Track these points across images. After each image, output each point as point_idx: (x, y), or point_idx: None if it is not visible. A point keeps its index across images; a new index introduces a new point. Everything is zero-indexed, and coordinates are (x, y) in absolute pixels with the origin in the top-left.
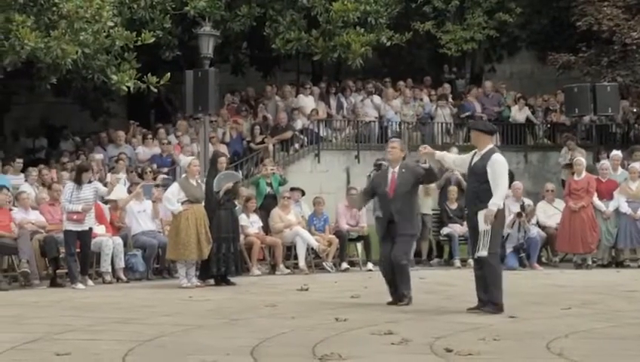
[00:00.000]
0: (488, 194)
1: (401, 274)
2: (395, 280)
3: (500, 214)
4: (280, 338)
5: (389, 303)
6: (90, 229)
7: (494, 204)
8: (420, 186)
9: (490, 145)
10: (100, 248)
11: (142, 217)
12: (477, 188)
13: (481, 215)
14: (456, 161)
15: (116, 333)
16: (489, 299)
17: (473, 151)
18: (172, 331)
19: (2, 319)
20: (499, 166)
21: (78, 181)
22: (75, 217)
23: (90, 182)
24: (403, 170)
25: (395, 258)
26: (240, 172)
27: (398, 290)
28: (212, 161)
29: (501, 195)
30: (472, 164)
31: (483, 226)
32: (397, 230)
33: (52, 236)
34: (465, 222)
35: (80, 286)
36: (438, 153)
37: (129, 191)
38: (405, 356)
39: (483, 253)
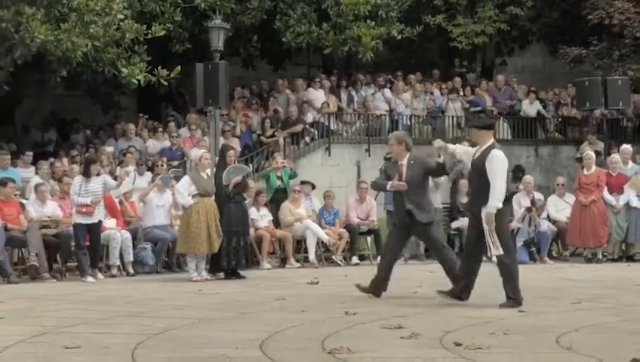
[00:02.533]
0: (489, 190)
1: (445, 261)
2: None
3: (500, 212)
4: (289, 331)
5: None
6: (100, 222)
7: (492, 206)
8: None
9: (490, 141)
10: (108, 241)
11: (159, 211)
12: (478, 183)
13: (483, 211)
14: (465, 153)
15: (126, 326)
16: (508, 295)
17: (477, 147)
18: (182, 324)
19: (12, 312)
20: (496, 162)
21: (87, 174)
22: (84, 210)
23: (98, 174)
24: (412, 162)
25: (434, 250)
26: (250, 165)
27: (449, 276)
28: (221, 155)
29: (498, 195)
30: (474, 159)
31: (486, 226)
32: (417, 220)
33: (67, 233)
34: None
35: (90, 279)
36: (450, 146)
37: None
38: (415, 350)
39: (499, 251)
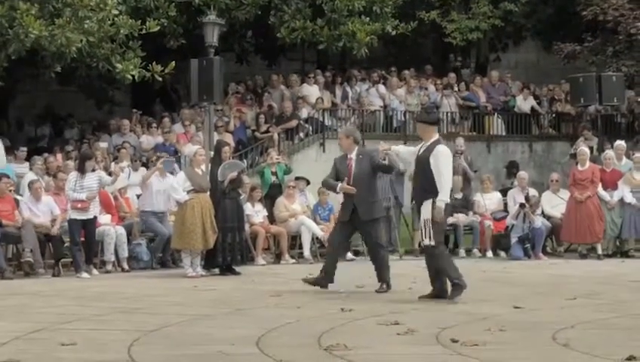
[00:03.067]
0: (433, 185)
1: (378, 260)
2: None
3: (445, 207)
4: (285, 328)
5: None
6: (95, 218)
7: (441, 200)
8: None
9: (435, 137)
10: (102, 237)
11: (158, 197)
12: (422, 179)
13: (425, 206)
14: (410, 151)
15: (122, 323)
16: (440, 287)
17: (422, 143)
18: (177, 321)
19: (7, 308)
20: (442, 157)
21: (82, 169)
22: (79, 206)
23: (94, 170)
24: (360, 156)
25: (369, 246)
26: (245, 161)
27: (379, 277)
28: (216, 151)
29: (446, 189)
30: (418, 155)
31: (425, 216)
32: (359, 216)
33: (59, 237)
34: (470, 212)
35: (85, 275)
36: (393, 148)
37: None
38: (411, 346)
39: (430, 242)
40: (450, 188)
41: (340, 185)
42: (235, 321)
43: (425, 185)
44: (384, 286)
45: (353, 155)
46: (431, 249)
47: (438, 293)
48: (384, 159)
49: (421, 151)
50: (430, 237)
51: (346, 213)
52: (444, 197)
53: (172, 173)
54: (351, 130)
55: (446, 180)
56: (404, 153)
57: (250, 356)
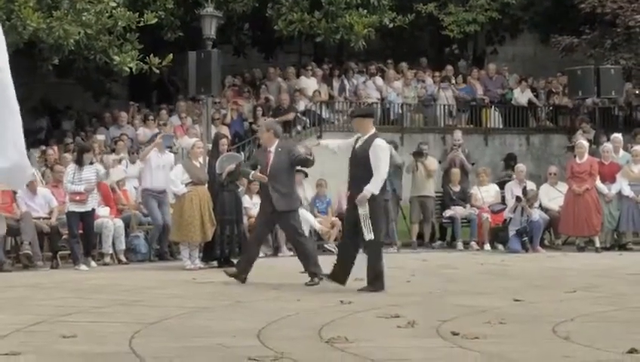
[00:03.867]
0: (370, 178)
1: (302, 252)
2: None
3: (376, 199)
4: (286, 320)
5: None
6: (93, 210)
7: (368, 190)
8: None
9: (373, 130)
10: (101, 230)
11: (158, 173)
12: (360, 172)
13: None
14: (341, 146)
15: (121, 315)
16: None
17: (356, 136)
18: (177, 313)
19: (7, 301)
20: (380, 151)
21: (80, 162)
22: (77, 198)
23: (91, 163)
24: (279, 150)
25: (290, 238)
26: (242, 153)
27: (306, 270)
28: (214, 143)
29: (378, 182)
30: (355, 148)
31: (363, 211)
32: (274, 208)
33: (56, 229)
34: (467, 205)
35: (83, 267)
36: (322, 142)
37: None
38: (412, 339)
39: (370, 236)
40: (382, 182)
41: (252, 173)
42: (235, 314)
43: (362, 179)
44: (315, 279)
45: (272, 148)
46: (372, 243)
47: (337, 277)
48: (310, 154)
49: (358, 144)
50: (370, 231)
51: (268, 205)
52: (372, 189)
53: (171, 149)
54: (271, 124)
55: (381, 174)
56: (334, 147)
57: (251, 348)
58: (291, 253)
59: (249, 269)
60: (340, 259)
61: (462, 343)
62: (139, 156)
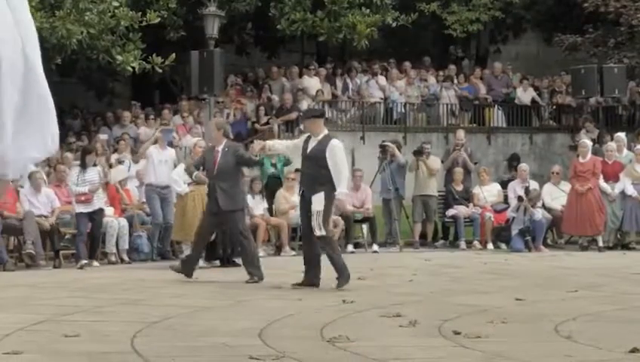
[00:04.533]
0: (327, 178)
1: (243, 253)
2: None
3: (329, 198)
4: (287, 320)
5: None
6: (101, 209)
7: (342, 193)
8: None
9: (325, 131)
10: (105, 229)
11: (161, 168)
12: (316, 172)
13: (317, 198)
14: (288, 146)
15: (124, 314)
16: (337, 273)
17: (305, 136)
18: (179, 312)
19: (10, 300)
20: (339, 151)
21: (83, 164)
22: (83, 198)
23: (95, 165)
24: (226, 150)
25: (233, 238)
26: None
27: (246, 269)
28: None
29: (345, 181)
30: (310, 149)
31: (317, 207)
32: (220, 207)
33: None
34: (470, 204)
35: (86, 266)
36: (268, 143)
37: None
38: (414, 338)
39: (322, 232)
40: (348, 181)
41: (195, 173)
42: (237, 313)
43: (318, 178)
44: (255, 278)
45: (220, 148)
46: (325, 238)
47: (310, 282)
48: (257, 156)
49: (312, 145)
50: (321, 228)
51: (213, 204)
52: (344, 190)
53: (171, 143)
54: (222, 123)
55: (344, 174)
56: (279, 147)
57: (252, 347)
58: (294, 253)
59: (194, 268)
60: (308, 261)
61: (464, 342)
62: (138, 152)
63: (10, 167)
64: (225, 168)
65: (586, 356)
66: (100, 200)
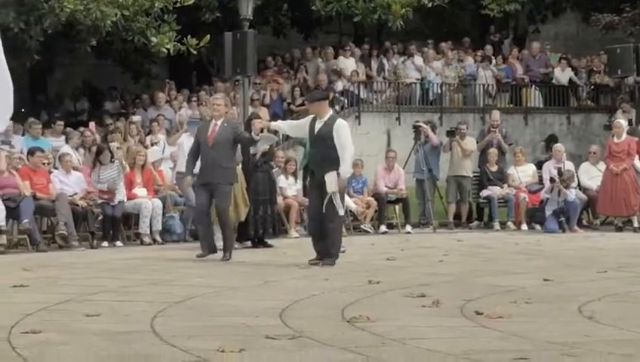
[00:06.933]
0: (336, 157)
1: (223, 226)
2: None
3: (342, 176)
4: (311, 300)
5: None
6: (121, 202)
7: (346, 171)
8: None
9: (330, 111)
10: (139, 210)
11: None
12: (324, 152)
13: (329, 176)
14: (292, 127)
15: (149, 294)
16: (329, 251)
17: (311, 117)
18: (204, 292)
19: (39, 280)
20: (344, 130)
21: (99, 163)
22: (105, 196)
23: (112, 161)
24: (225, 125)
25: (220, 211)
26: (280, 134)
27: (224, 243)
28: (247, 123)
29: (349, 162)
30: (317, 130)
31: (331, 188)
32: (213, 180)
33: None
34: (505, 185)
35: (119, 243)
36: (273, 123)
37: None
38: (434, 318)
39: (341, 211)
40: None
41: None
42: (262, 293)
43: (326, 158)
44: (228, 254)
45: (219, 122)
46: (341, 218)
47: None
48: (258, 134)
49: (319, 126)
50: (340, 207)
51: (203, 177)
52: (348, 169)
53: None
54: (228, 100)
55: (350, 153)
56: (285, 128)
57: (271, 327)
58: None
59: (209, 245)
60: (318, 239)
61: (484, 322)
62: (168, 140)
63: None
64: (220, 142)
65: (605, 336)
66: (120, 195)
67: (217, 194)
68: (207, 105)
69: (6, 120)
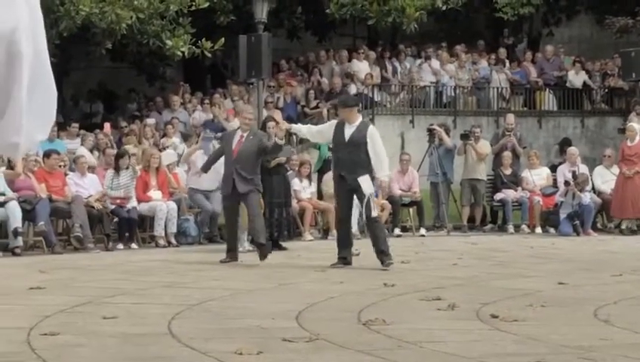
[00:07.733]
0: (368, 162)
1: (252, 228)
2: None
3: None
4: (327, 303)
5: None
6: (134, 208)
7: (386, 175)
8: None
9: (360, 117)
10: (154, 212)
11: (204, 175)
12: (357, 157)
13: (363, 181)
14: (312, 133)
15: (165, 297)
16: (383, 249)
17: (335, 123)
18: (220, 295)
19: (55, 282)
20: (377, 136)
21: (117, 168)
22: (118, 202)
23: (127, 168)
24: (251, 137)
25: (251, 218)
26: (293, 138)
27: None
28: (262, 126)
29: (387, 165)
30: (348, 136)
31: (368, 191)
32: (238, 189)
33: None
34: (519, 188)
35: (134, 246)
36: (294, 126)
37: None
38: (449, 321)
39: (375, 213)
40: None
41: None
42: (278, 296)
43: (359, 163)
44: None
45: (246, 134)
46: (376, 220)
47: (346, 261)
48: (275, 136)
49: (350, 132)
50: (374, 210)
51: (227, 188)
52: (387, 172)
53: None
54: (254, 113)
55: (385, 158)
56: (305, 132)
57: (287, 330)
58: None
59: (235, 252)
60: (345, 242)
61: (499, 326)
62: (180, 159)
63: (20, 151)
64: (246, 153)
65: (621, 339)
66: (132, 201)
67: (248, 204)
68: (221, 107)
69: (49, 129)
